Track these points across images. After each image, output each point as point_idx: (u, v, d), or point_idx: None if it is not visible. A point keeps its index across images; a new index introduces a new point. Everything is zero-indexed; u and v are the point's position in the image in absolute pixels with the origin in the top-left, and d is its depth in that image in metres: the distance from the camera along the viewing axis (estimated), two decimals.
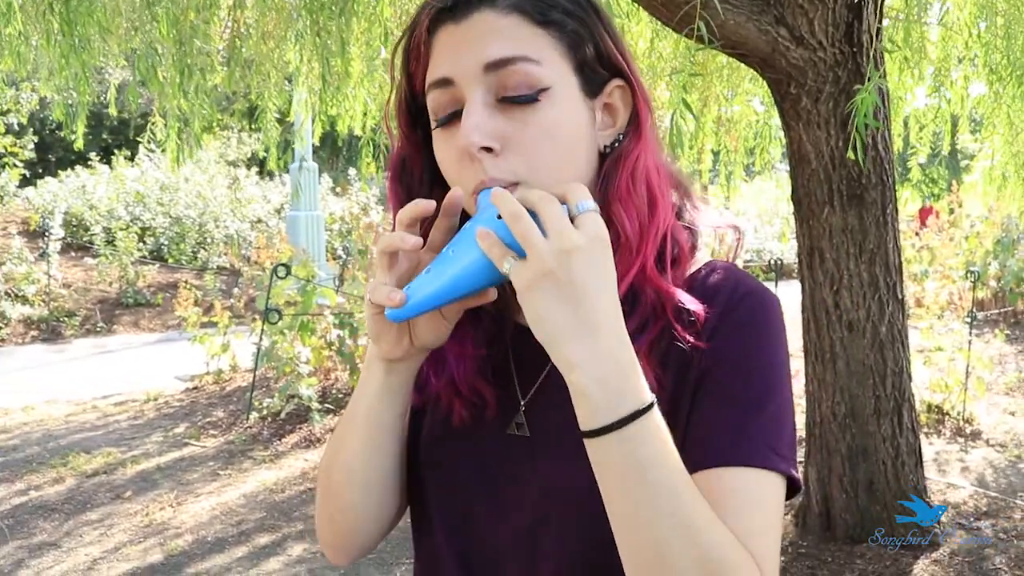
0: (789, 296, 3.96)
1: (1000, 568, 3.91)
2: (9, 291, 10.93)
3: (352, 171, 16.46)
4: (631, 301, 0.89)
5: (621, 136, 0.94)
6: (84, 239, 13.15)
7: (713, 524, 0.78)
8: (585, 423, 0.78)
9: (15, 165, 15.04)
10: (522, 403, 0.97)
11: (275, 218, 15.38)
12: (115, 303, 11.65)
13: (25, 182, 15.48)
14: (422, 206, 0.86)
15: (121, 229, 12.44)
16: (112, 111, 6.52)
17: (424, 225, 0.90)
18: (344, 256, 12.93)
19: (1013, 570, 3.88)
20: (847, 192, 3.82)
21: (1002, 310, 9.88)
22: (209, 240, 14.13)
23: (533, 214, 0.78)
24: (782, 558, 3.66)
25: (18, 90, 13.32)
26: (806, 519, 4.21)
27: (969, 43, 5.55)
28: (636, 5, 4.13)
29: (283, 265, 6.61)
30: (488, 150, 0.86)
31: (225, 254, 13.19)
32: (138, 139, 7.00)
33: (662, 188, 0.94)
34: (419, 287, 0.83)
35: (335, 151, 22.65)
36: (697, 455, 0.85)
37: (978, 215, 11.51)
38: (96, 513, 4.78)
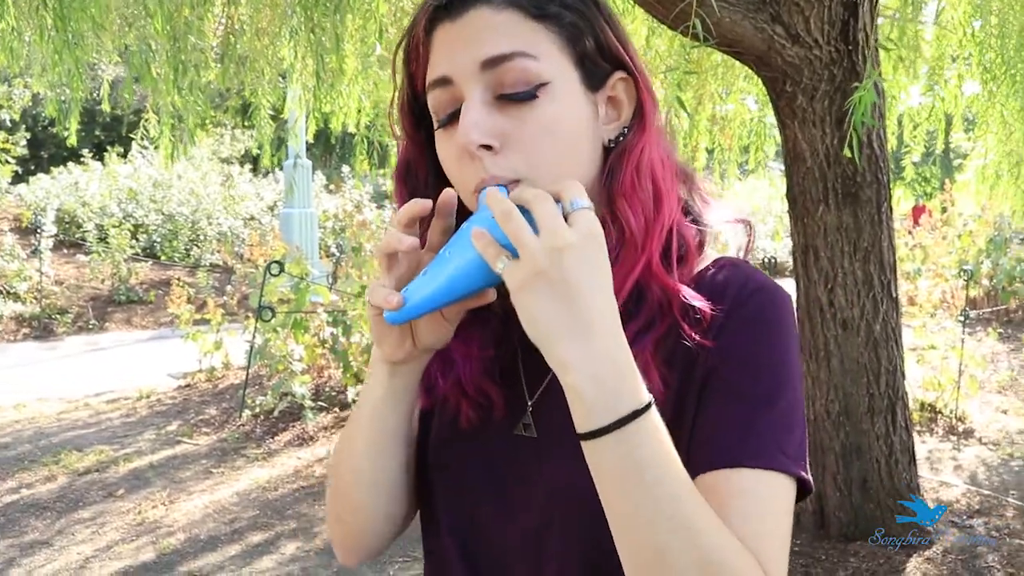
0: None
1: (993, 566, 3.91)
2: (1, 288, 10.90)
3: (346, 168, 16.43)
4: (637, 299, 0.88)
5: (626, 129, 0.92)
6: (76, 236, 13.12)
7: (714, 527, 0.77)
8: (581, 425, 0.76)
9: (7, 162, 14.95)
10: (529, 404, 0.96)
11: (268, 215, 15.35)
12: (107, 300, 11.62)
13: (17, 179, 15.40)
14: (418, 206, 0.86)
15: (114, 226, 12.40)
16: (106, 107, 6.50)
17: (424, 225, 0.89)
18: (338, 253, 12.92)
19: (1006, 568, 3.89)
20: (842, 190, 3.82)
21: (995, 308, 9.91)
22: (202, 237, 14.11)
23: (529, 213, 0.77)
24: None
25: (11, 86, 13.25)
26: (799, 517, 4.21)
27: (963, 42, 5.56)
28: (632, 2, 4.12)
29: (277, 262, 6.60)
30: (488, 148, 0.85)
31: (218, 251, 13.18)
32: (131, 136, 6.98)
33: (667, 182, 0.92)
34: (416, 289, 0.82)
35: (328, 148, 22.60)
36: (703, 455, 0.84)
37: (971, 214, 11.52)
38: (88, 511, 4.76)
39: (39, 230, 11.61)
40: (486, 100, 0.86)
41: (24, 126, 16.53)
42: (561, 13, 0.88)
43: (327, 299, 7.06)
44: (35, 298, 10.87)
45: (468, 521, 0.97)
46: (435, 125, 0.91)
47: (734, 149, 7.42)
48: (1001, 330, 8.78)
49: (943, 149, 7.02)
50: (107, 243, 12.07)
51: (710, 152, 7.68)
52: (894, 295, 3.99)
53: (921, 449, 5.30)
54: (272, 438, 6.03)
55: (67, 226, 13.42)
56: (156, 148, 6.60)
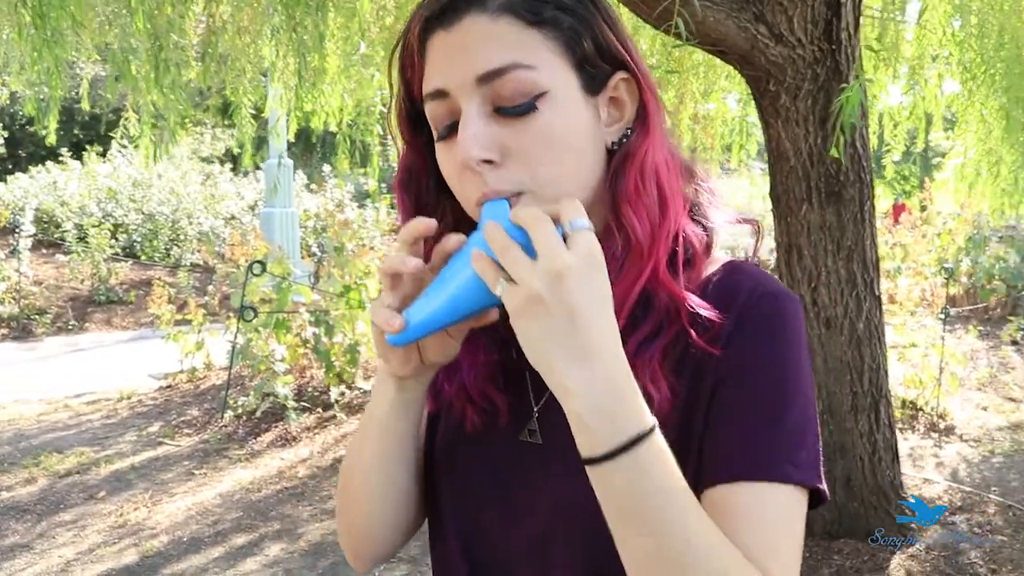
0: None
1: (975, 562, 3.94)
2: None
3: (327, 167, 16.37)
4: (644, 305, 0.87)
5: (629, 130, 0.91)
6: (55, 236, 13.01)
7: (721, 546, 0.76)
8: (585, 450, 0.75)
9: None
10: (535, 410, 0.95)
11: (249, 215, 15.27)
12: (87, 300, 11.53)
13: None
14: (423, 225, 0.85)
15: (93, 226, 12.31)
16: (85, 106, 6.45)
17: (428, 243, 0.88)
18: (319, 253, 12.86)
19: (988, 564, 3.92)
20: (825, 189, 3.84)
21: (974, 306, 9.97)
22: (182, 237, 14.02)
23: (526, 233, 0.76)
24: None
25: None
26: None
27: (943, 41, 5.59)
28: (615, 0, 4.12)
29: (259, 262, 6.56)
30: (488, 162, 0.84)
31: (198, 251, 13.09)
32: (110, 135, 6.93)
33: (673, 185, 0.91)
34: (418, 310, 0.82)
35: (309, 147, 22.52)
36: (712, 468, 0.83)
37: (950, 212, 11.59)
38: (69, 514, 4.72)
39: (17, 230, 11.49)
40: (484, 113, 0.84)
41: (1, 125, 16.41)
42: (558, 17, 0.86)
43: (309, 299, 7.03)
44: (14, 298, 10.77)
45: (473, 525, 0.97)
46: (434, 136, 0.90)
47: (716, 148, 7.43)
48: (981, 327, 8.83)
49: (923, 148, 7.06)
50: (87, 243, 11.98)
51: (692, 151, 7.69)
52: (877, 293, 4.01)
53: (903, 446, 5.33)
54: (255, 439, 6.00)
55: (46, 226, 13.31)
56: (136, 147, 6.56)
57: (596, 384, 0.74)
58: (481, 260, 0.77)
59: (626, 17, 5.61)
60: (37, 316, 10.63)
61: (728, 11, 3.52)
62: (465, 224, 0.91)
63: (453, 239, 0.85)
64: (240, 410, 6.45)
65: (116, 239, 13.27)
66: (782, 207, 3.97)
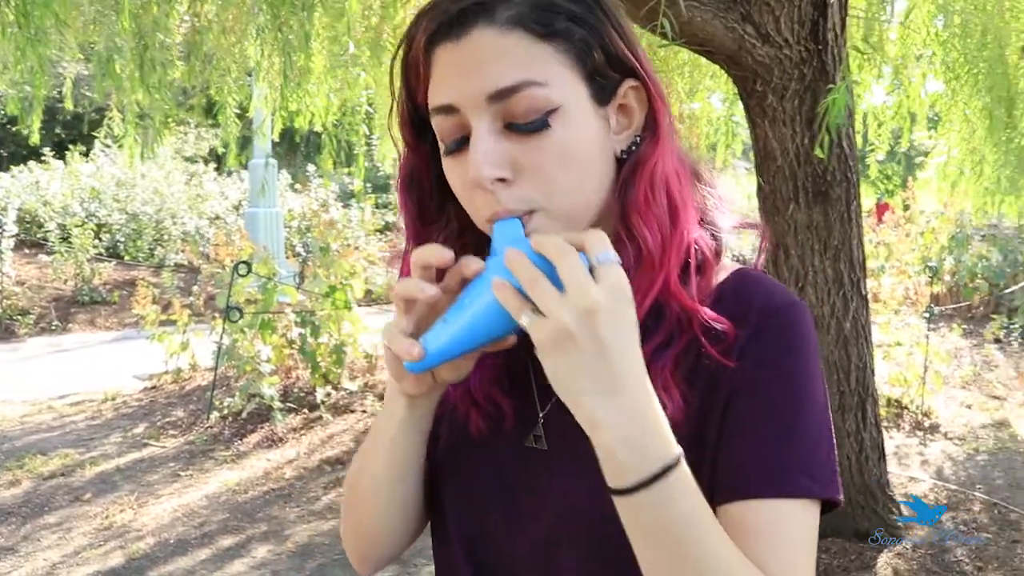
0: None
1: (961, 560, 3.96)
2: None
3: (311, 167, 16.32)
4: (655, 315, 0.86)
5: (638, 138, 0.90)
6: (38, 236, 12.92)
7: (740, 566, 0.77)
8: (613, 482, 0.76)
9: None
10: (540, 415, 0.94)
11: (233, 215, 15.21)
12: (70, 301, 11.45)
13: None
14: (438, 256, 0.83)
15: (76, 226, 12.21)
16: (68, 105, 6.42)
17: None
18: (303, 253, 12.82)
19: (974, 562, 3.94)
20: (812, 189, 3.85)
21: (957, 305, 10.03)
22: (166, 237, 13.95)
23: (547, 260, 0.76)
24: None
25: None
26: None
27: (927, 41, 5.62)
28: None
29: (244, 263, 6.54)
30: (500, 180, 0.83)
31: (183, 251, 13.03)
32: (94, 134, 6.88)
33: (683, 195, 0.90)
34: (435, 337, 0.81)
35: (293, 147, 22.45)
36: (729, 483, 0.83)
37: (933, 211, 11.66)
38: (54, 516, 4.69)
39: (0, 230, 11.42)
40: (495, 130, 0.82)
41: None
42: (570, 29, 0.84)
43: (295, 299, 7.01)
44: None
45: (477, 528, 0.96)
46: (440, 148, 0.88)
47: (701, 147, 7.44)
48: (965, 326, 8.90)
49: (908, 147, 7.10)
50: (70, 243, 11.90)
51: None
52: (863, 293, 4.03)
53: (888, 445, 5.35)
54: (241, 440, 5.97)
55: (28, 226, 13.20)
56: (120, 147, 6.52)
57: (625, 417, 0.74)
58: (504, 289, 0.76)
59: None
60: (20, 316, 10.55)
61: (715, 11, 3.53)
62: (471, 230, 0.91)
63: (472, 265, 0.83)
64: (226, 411, 6.42)
65: (99, 239, 13.19)
66: (769, 206, 3.97)
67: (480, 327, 0.80)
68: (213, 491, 5.04)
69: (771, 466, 0.83)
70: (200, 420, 6.39)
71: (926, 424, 6.10)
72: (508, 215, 0.83)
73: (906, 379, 6.42)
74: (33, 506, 4.83)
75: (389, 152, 7.59)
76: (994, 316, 9.26)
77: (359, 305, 7.23)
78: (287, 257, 11.98)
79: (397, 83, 0.92)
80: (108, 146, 12.66)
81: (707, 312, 0.87)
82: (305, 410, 6.50)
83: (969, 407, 6.63)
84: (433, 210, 0.96)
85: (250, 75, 6.63)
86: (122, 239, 13.68)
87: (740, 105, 4.29)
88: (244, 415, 6.34)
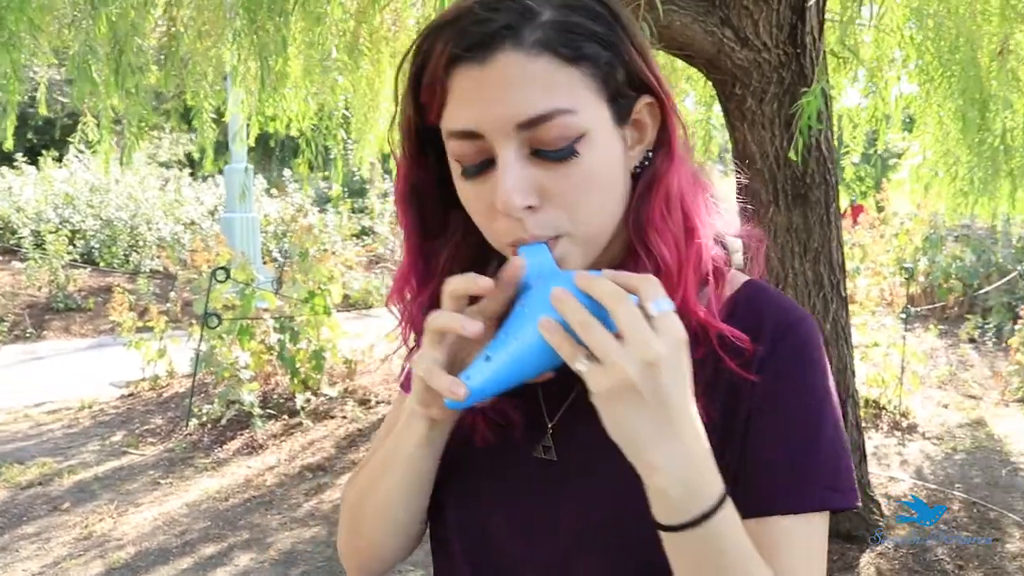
0: None
1: (942, 559, 3.99)
2: None
3: (287, 172, 16.26)
4: None
5: (650, 153, 0.90)
6: (11, 242, 12.80)
7: None
8: (663, 518, 0.77)
9: None
10: (549, 426, 0.94)
11: (208, 220, 15.13)
12: (45, 308, 11.33)
13: None
14: (478, 285, 0.82)
15: (50, 232, 12.11)
16: (43, 110, 6.35)
17: (433, 258, 0.90)
18: (280, 258, 12.76)
19: (955, 560, 3.97)
20: (791, 192, 3.87)
21: (933, 305, 10.12)
22: (141, 243, 13.85)
23: (589, 299, 0.75)
24: None
25: None
26: None
27: (901, 44, 5.67)
28: None
29: (223, 268, 6.50)
30: (528, 207, 0.82)
31: (158, 257, 12.94)
32: (68, 139, 6.81)
33: (699, 211, 0.90)
34: (478, 374, 0.80)
35: (268, 152, 22.37)
36: (753, 499, 0.84)
37: (906, 212, 11.76)
38: (33, 526, 4.64)
39: None
40: (522, 156, 0.81)
41: None
42: (597, 53, 0.82)
43: (273, 305, 6.97)
44: None
45: (479, 532, 0.96)
46: (454, 170, 0.87)
47: None
48: (943, 326, 8.98)
49: (883, 149, 7.16)
50: (43, 249, 11.79)
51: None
52: (843, 294, 4.06)
53: (867, 445, 5.38)
54: (220, 447, 5.93)
55: (1, 232, 13.09)
56: (95, 152, 6.46)
57: (681, 460, 0.75)
58: (555, 332, 0.76)
59: None
60: None
61: (694, 15, 3.55)
62: (472, 240, 0.91)
63: (519, 262, 0.82)
64: (205, 418, 6.37)
65: (74, 245, 13.08)
66: (748, 210, 3.99)
67: (525, 364, 0.79)
68: (194, 499, 5.01)
69: (795, 482, 0.85)
70: (179, 427, 6.35)
71: (904, 424, 6.15)
72: (535, 240, 0.82)
73: (884, 380, 6.46)
74: (11, 516, 4.77)
75: (366, 157, 7.58)
76: (968, 316, 9.35)
77: (337, 310, 7.21)
78: (264, 262, 11.92)
79: (404, 95, 0.88)
80: (82, 151, 12.57)
81: (726, 328, 0.87)
82: (285, 416, 6.46)
83: (946, 407, 6.69)
84: (437, 221, 0.95)
85: (226, 79, 6.59)
86: (97, 245, 13.57)
87: (716, 108, 4.32)
88: (223, 422, 6.30)
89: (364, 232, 15.44)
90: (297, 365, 6.70)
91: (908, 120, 7.02)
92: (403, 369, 1.09)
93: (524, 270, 0.81)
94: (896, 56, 6.06)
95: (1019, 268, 10.17)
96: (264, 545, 4.36)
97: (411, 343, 1.02)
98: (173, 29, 5.61)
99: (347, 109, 6.87)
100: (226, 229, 11.27)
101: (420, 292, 0.96)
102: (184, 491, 5.14)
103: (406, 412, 0.92)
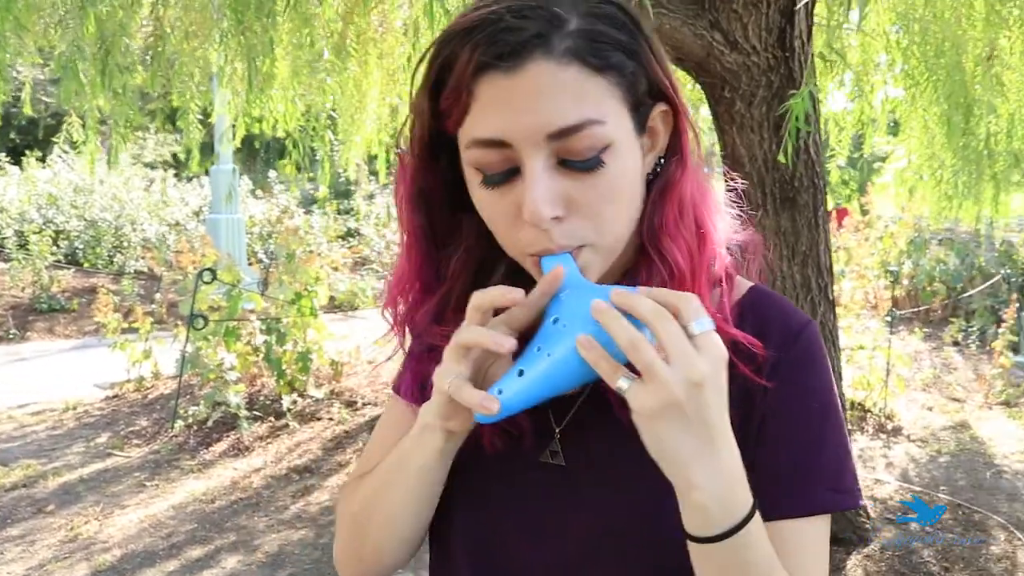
0: None
1: (928, 561, 4.01)
2: None
3: (272, 173, 16.22)
4: None
5: (661, 159, 0.90)
6: None
7: None
8: (695, 531, 0.78)
9: None
10: (556, 431, 0.94)
11: (193, 221, 15.07)
12: (28, 309, 11.26)
13: None
14: (510, 296, 0.81)
15: (34, 232, 12.05)
16: (27, 110, 6.31)
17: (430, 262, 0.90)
18: (266, 260, 12.72)
19: (941, 563, 3.99)
20: (780, 195, 3.88)
21: (917, 308, 10.17)
22: (126, 244, 13.79)
23: (635, 319, 0.75)
24: None
25: None
26: None
27: (887, 48, 5.70)
28: None
29: (209, 270, 6.47)
30: (555, 218, 0.81)
31: (143, 258, 12.88)
32: (52, 139, 6.77)
33: (711, 217, 0.91)
34: (510, 388, 0.79)
35: (253, 153, 22.31)
36: (761, 503, 0.84)
37: (891, 216, 11.82)
38: (17, 528, 4.61)
39: None
40: (550, 166, 0.80)
41: None
42: (623, 63, 0.82)
43: (260, 306, 6.94)
44: None
45: (486, 548, 0.95)
46: (475, 177, 0.85)
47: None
48: (927, 329, 9.03)
49: (868, 153, 7.20)
50: (27, 250, 11.72)
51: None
52: (831, 298, 4.07)
53: (853, 448, 5.41)
54: (206, 449, 5.91)
55: None
56: (79, 153, 6.42)
57: (719, 477, 0.76)
58: (593, 351, 0.76)
59: None
60: None
61: (684, 18, 3.56)
62: (484, 238, 0.91)
63: (559, 272, 0.81)
64: (191, 420, 6.34)
65: (58, 246, 13.01)
66: (744, 214, 4.00)
67: (558, 379, 0.79)
68: (180, 501, 4.98)
69: (801, 486, 0.87)
70: (164, 429, 6.32)
71: (889, 427, 6.18)
72: (561, 251, 0.82)
73: (869, 383, 6.49)
74: None
75: (352, 158, 7.57)
76: (952, 319, 9.40)
77: (323, 312, 7.19)
78: (250, 264, 11.89)
79: (420, 98, 0.86)
80: (66, 152, 12.50)
81: (739, 334, 0.88)
82: (271, 418, 6.44)
83: (930, 409, 6.73)
84: (445, 225, 0.94)
85: (212, 80, 6.57)
86: (81, 246, 13.50)
87: (704, 111, 4.33)
88: (209, 424, 6.27)
89: (350, 234, 15.43)
90: (283, 367, 6.68)
91: (893, 124, 7.06)
92: (400, 374, 1.09)
93: (561, 280, 0.81)
94: (882, 60, 6.09)
95: (1002, 272, 10.25)
96: (251, 547, 4.34)
97: (406, 348, 1.02)
98: (160, 29, 5.59)
99: (334, 110, 6.86)
100: (212, 230, 11.23)
101: (426, 299, 0.95)
102: (170, 493, 5.12)
103: (418, 424, 0.90)
